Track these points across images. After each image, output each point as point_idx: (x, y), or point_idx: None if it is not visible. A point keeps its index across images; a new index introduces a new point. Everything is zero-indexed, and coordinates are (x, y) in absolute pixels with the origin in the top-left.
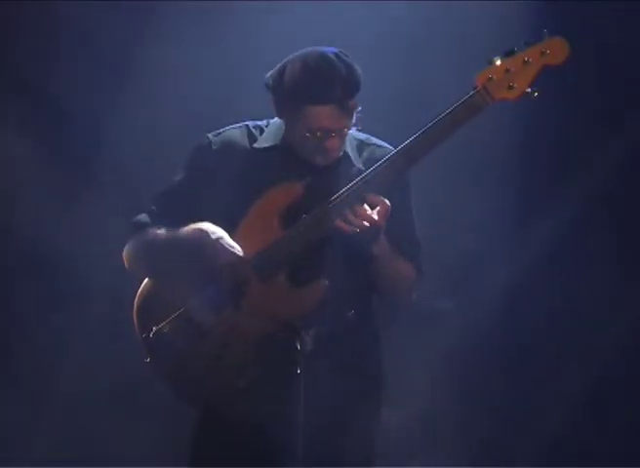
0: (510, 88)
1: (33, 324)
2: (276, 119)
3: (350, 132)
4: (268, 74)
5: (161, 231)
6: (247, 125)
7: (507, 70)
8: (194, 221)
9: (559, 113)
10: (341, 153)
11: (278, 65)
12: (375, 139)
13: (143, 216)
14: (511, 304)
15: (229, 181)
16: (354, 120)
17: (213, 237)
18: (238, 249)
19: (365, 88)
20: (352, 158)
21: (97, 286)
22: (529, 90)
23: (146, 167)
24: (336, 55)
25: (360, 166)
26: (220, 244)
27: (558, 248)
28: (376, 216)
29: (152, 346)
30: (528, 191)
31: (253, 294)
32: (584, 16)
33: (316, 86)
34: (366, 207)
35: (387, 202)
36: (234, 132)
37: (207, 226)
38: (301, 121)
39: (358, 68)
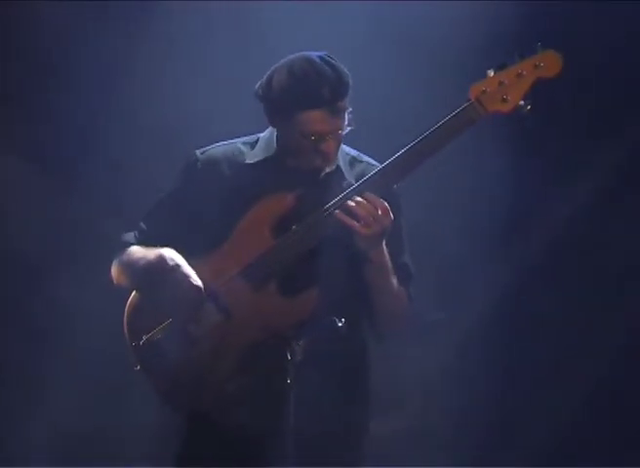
0: (504, 100)
1: (32, 324)
2: (265, 133)
3: (343, 147)
4: (257, 84)
5: (135, 254)
6: (234, 142)
7: (501, 83)
8: (179, 239)
9: (553, 119)
10: (335, 166)
11: (266, 74)
12: (366, 157)
13: (130, 235)
14: (505, 314)
15: (218, 198)
16: (346, 121)
17: (167, 266)
18: (193, 279)
19: (359, 90)
20: (344, 172)
21: (93, 286)
22: (522, 102)
23: (138, 174)
24: (321, 58)
25: (351, 180)
26: (175, 273)
27: (552, 257)
28: (380, 212)
29: (142, 354)
30: (521, 201)
31: (244, 304)
32: (584, 15)
33: (303, 91)
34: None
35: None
36: (221, 149)
37: (164, 253)
38: (295, 127)
39: (346, 70)
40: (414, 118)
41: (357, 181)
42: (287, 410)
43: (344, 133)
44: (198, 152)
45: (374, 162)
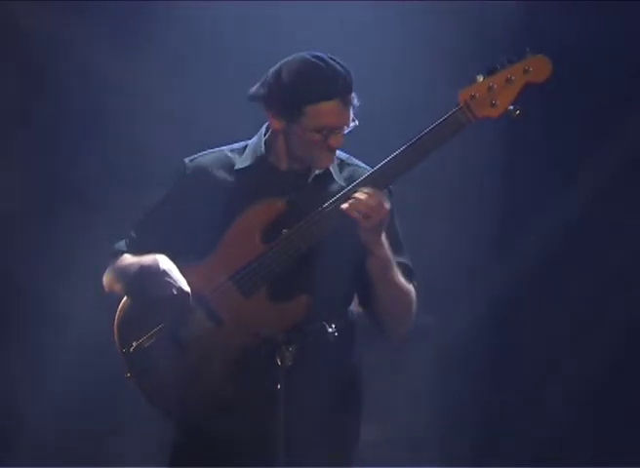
0: (493, 105)
1: (31, 325)
2: (253, 139)
3: None
4: (257, 85)
5: (128, 260)
6: (222, 150)
7: (490, 88)
8: (170, 247)
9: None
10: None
11: (270, 73)
12: (355, 160)
13: (122, 244)
14: (493, 318)
15: (208, 204)
16: (352, 116)
17: (158, 270)
18: (182, 284)
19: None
20: (334, 175)
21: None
22: (511, 107)
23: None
24: (326, 55)
25: (341, 183)
26: (164, 277)
27: (541, 260)
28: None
29: (133, 361)
30: (510, 203)
31: (234, 310)
32: (581, 15)
33: (319, 82)
34: None
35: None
36: (210, 156)
37: (157, 258)
38: (305, 122)
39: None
40: (406, 121)
41: (347, 184)
42: (277, 416)
43: (349, 129)
44: (187, 160)
45: (363, 165)
